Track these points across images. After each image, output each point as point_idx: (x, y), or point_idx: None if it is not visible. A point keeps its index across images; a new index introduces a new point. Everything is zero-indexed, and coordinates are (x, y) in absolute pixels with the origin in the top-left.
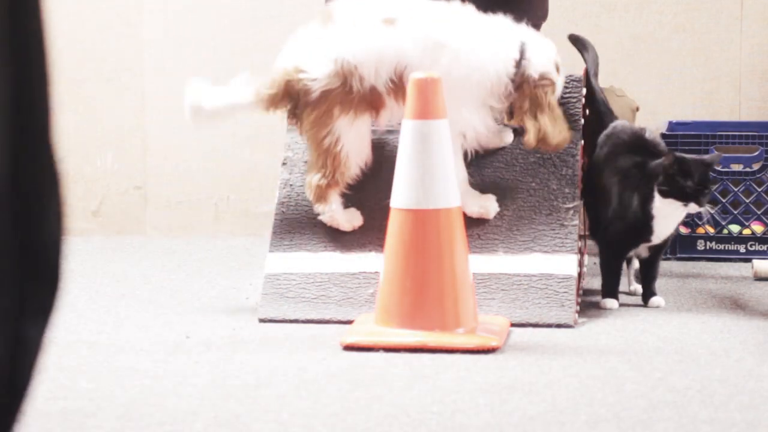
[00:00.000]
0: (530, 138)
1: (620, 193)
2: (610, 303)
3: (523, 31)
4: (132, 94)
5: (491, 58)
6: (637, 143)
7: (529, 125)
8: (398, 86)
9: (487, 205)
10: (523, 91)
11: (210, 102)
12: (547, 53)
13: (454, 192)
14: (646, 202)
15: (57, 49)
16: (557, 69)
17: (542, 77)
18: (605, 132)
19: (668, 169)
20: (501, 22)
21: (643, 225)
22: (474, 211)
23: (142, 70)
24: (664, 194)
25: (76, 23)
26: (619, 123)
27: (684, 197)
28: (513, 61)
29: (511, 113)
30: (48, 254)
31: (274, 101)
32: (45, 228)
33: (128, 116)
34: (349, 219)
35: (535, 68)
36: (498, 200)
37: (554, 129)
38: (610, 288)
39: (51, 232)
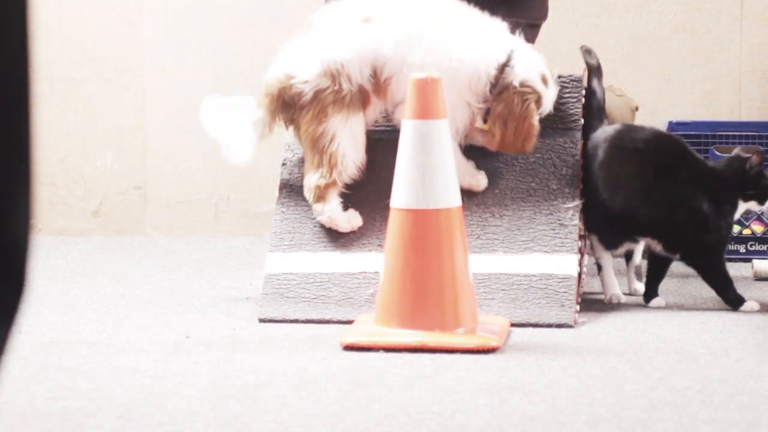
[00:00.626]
0: (492, 143)
1: (704, 206)
2: (751, 305)
3: (515, 40)
4: (132, 94)
5: (473, 53)
6: (669, 146)
7: (495, 131)
8: (377, 82)
9: (479, 178)
10: (501, 97)
11: (223, 112)
12: (533, 64)
13: (454, 192)
14: (731, 211)
15: (57, 49)
16: (545, 81)
17: (523, 85)
18: (608, 136)
19: (754, 169)
20: (494, 24)
21: (728, 231)
22: (465, 181)
23: (142, 70)
24: (748, 198)
25: (76, 23)
26: (628, 126)
27: (765, 197)
28: (497, 63)
29: (485, 118)
30: (14, 254)
31: (272, 108)
32: (12, 228)
33: (128, 116)
34: (348, 219)
35: (517, 76)
36: (498, 200)
37: (515, 140)
38: (736, 293)
39: (18, 232)
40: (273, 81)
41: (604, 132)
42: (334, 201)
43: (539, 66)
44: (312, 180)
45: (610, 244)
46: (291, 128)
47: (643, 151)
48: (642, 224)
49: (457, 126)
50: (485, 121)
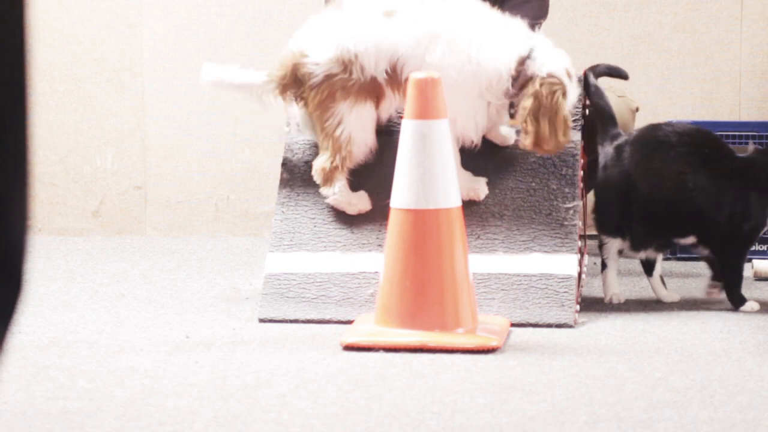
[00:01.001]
0: (526, 141)
1: (749, 194)
2: (751, 305)
3: (536, 36)
4: (132, 94)
5: (493, 53)
6: (706, 139)
7: (529, 127)
8: (393, 78)
9: (477, 188)
10: (527, 91)
11: (226, 76)
12: (558, 58)
13: (454, 192)
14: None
15: (57, 49)
16: (569, 75)
17: (550, 76)
18: (639, 136)
19: None
20: (515, 23)
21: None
22: (463, 194)
23: (142, 70)
24: None
25: (76, 23)
26: (654, 125)
27: None
28: (518, 57)
29: (513, 113)
30: (11, 254)
31: (283, 83)
32: (9, 228)
33: (128, 116)
34: (355, 203)
35: (541, 67)
36: (498, 200)
37: (550, 134)
38: (741, 293)
39: (15, 231)
40: (288, 55)
41: (627, 134)
42: (340, 184)
43: (563, 60)
44: (319, 162)
45: (641, 245)
46: (300, 104)
47: (684, 145)
48: (686, 218)
49: (476, 126)
50: (513, 116)
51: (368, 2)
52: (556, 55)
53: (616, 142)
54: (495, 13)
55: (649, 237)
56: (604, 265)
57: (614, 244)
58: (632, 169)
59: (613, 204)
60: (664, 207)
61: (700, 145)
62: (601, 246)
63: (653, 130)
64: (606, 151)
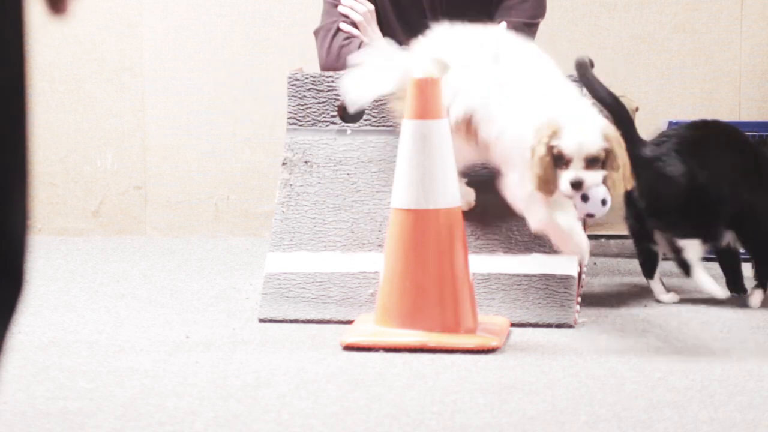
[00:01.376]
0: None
1: None
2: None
3: (582, 111)
4: (132, 94)
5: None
6: (742, 135)
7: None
8: (459, 127)
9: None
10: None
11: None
12: (580, 137)
13: (454, 192)
14: None
15: (57, 49)
16: (587, 162)
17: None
18: (705, 137)
19: None
20: (582, 102)
21: None
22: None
23: (142, 70)
24: None
25: (76, 23)
26: (696, 123)
27: None
28: (550, 137)
29: None
30: (12, 252)
31: None
32: (10, 225)
33: (128, 116)
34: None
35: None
36: (498, 200)
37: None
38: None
39: (16, 229)
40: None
41: (671, 136)
42: None
43: (586, 137)
44: None
45: (712, 245)
46: None
47: (751, 143)
48: (745, 214)
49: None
50: None
51: (483, 36)
52: (581, 132)
53: (664, 148)
54: (560, 79)
55: (720, 236)
56: (687, 267)
57: (697, 245)
58: (703, 171)
59: (685, 208)
60: (737, 206)
61: (745, 141)
62: (679, 252)
63: (728, 129)
64: (648, 155)
